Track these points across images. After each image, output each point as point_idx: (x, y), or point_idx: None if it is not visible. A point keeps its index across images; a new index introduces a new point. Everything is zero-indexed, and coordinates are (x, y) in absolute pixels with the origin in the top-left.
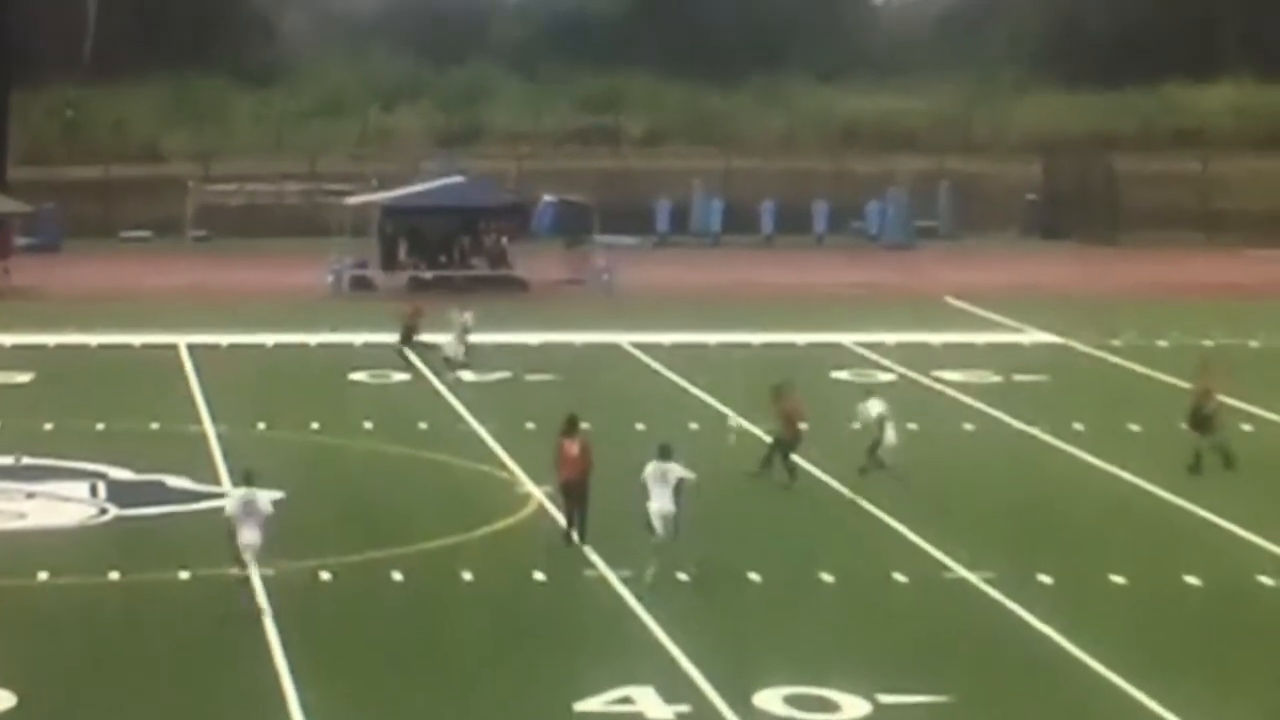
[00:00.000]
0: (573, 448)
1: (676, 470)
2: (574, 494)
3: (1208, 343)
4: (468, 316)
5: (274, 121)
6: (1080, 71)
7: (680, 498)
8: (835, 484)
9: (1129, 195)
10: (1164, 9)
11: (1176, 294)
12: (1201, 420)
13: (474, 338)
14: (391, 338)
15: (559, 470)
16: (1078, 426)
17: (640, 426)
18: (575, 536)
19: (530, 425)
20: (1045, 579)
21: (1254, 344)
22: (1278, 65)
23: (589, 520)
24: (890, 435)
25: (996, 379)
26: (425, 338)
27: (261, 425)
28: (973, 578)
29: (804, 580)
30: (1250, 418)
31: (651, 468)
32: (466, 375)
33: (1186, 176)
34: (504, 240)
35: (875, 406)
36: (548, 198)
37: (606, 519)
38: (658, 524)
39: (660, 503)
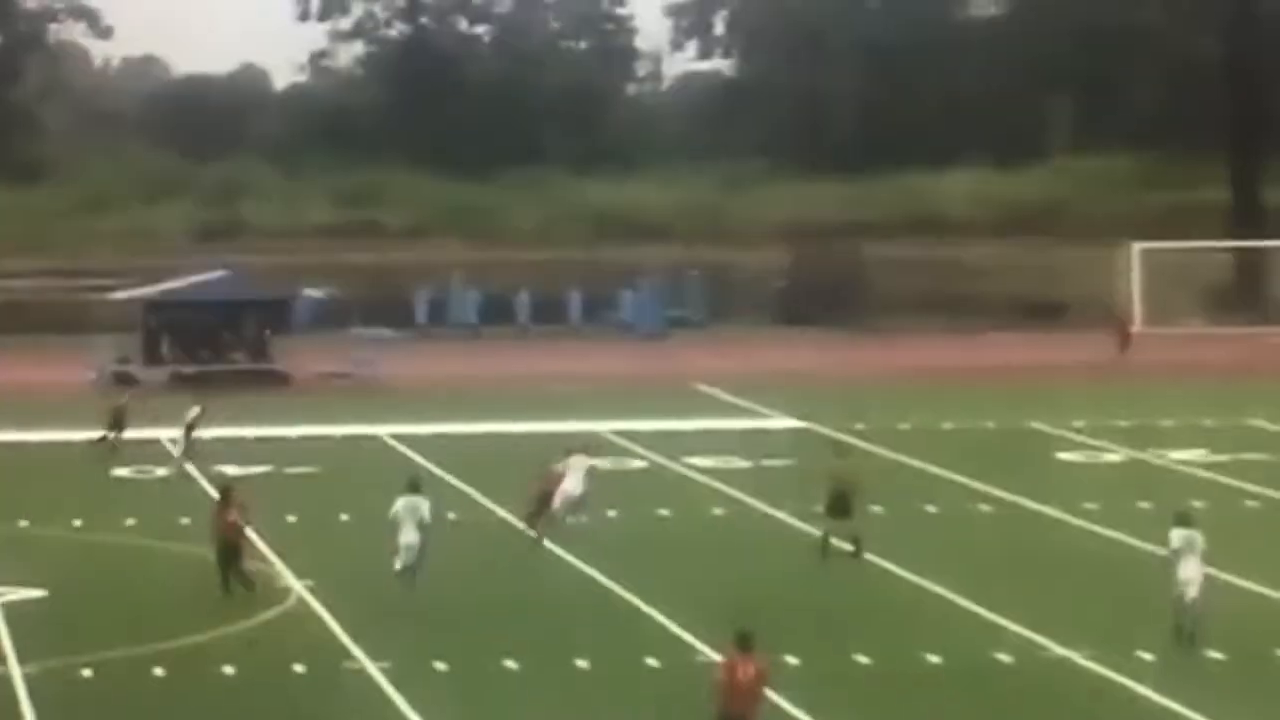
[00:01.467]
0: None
1: (424, 506)
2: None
3: (947, 425)
4: (195, 411)
5: (36, 218)
6: (826, 161)
7: (426, 534)
8: (589, 569)
9: (874, 281)
10: (905, 99)
11: (919, 377)
12: (840, 505)
13: (205, 433)
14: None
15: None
16: (820, 510)
17: None
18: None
19: (291, 518)
20: (792, 660)
21: (991, 425)
22: (1015, 153)
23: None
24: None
25: (745, 464)
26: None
27: (23, 523)
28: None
29: (559, 666)
30: (986, 498)
31: (402, 502)
32: (188, 468)
33: (929, 262)
34: (266, 334)
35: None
36: (309, 292)
37: (367, 611)
38: (404, 555)
39: (407, 536)
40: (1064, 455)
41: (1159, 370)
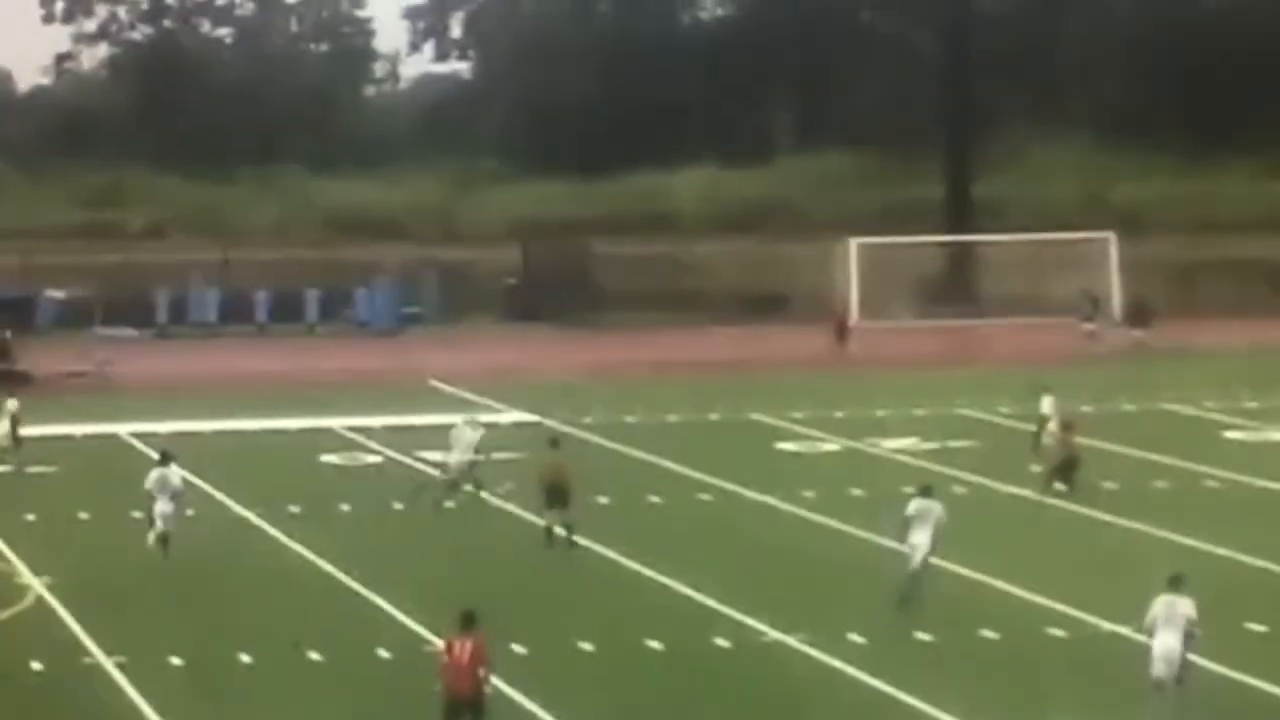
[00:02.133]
0: None
1: (175, 477)
2: None
3: (672, 418)
4: (12, 404)
5: None
6: (558, 161)
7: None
8: (322, 562)
9: (604, 278)
10: (636, 100)
11: (646, 371)
12: (555, 496)
13: None
14: None
15: None
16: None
17: (137, 514)
18: None
19: (30, 517)
20: (519, 649)
21: (714, 416)
22: (741, 152)
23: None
24: None
25: (476, 457)
26: None
27: None
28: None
29: (292, 658)
30: (708, 487)
31: (155, 474)
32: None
33: (658, 259)
34: (8, 334)
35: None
36: (50, 292)
37: (105, 607)
38: (159, 523)
39: (161, 506)
40: (783, 445)
41: (875, 362)
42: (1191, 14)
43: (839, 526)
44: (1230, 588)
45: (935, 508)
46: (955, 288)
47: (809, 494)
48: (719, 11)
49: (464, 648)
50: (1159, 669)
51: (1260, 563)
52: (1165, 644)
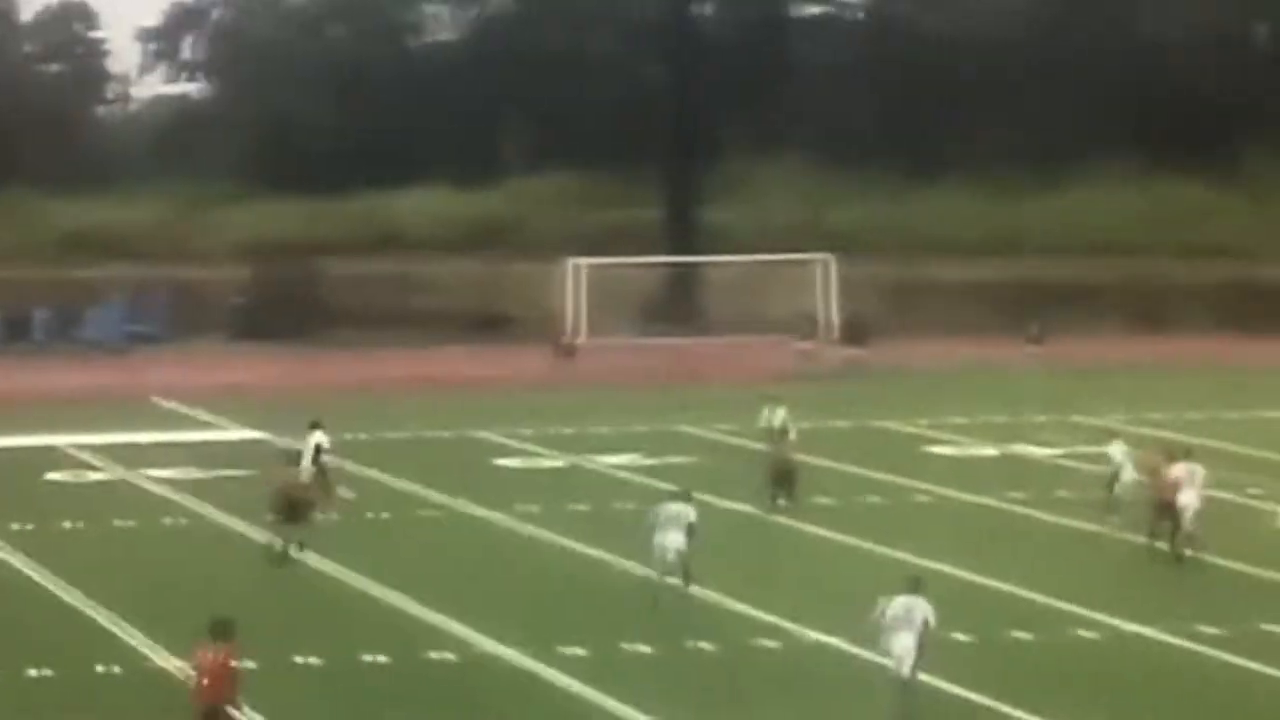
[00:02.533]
0: None
1: None
2: None
3: (396, 435)
4: None
5: None
6: (290, 182)
7: None
8: (44, 580)
9: (332, 297)
10: (366, 122)
11: (372, 389)
12: (291, 512)
13: None
14: None
15: None
16: (271, 517)
17: None
18: None
19: None
20: (248, 664)
21: (437, 433)
22: (472, 173)
23: None
24: None
25: (201, 474)
26: None
27: None
28: (172, 666)
29: (13, 675)
30: (431, 504)
31: None
32: None
33: (387, 278)
34: None
35: None
36: None
37: None
38: None
39: None
40: (505, 461)
41: (598, 380)
42: (909, 43)
43: (559, 541)
44: (938, 599)
45: (688, 512)
46: (678, 307)
47: (530, 509)
48: (450, 37)
49: (214, 657)
50: (896, 667)
51: (966, 574)
52: (902, 643)
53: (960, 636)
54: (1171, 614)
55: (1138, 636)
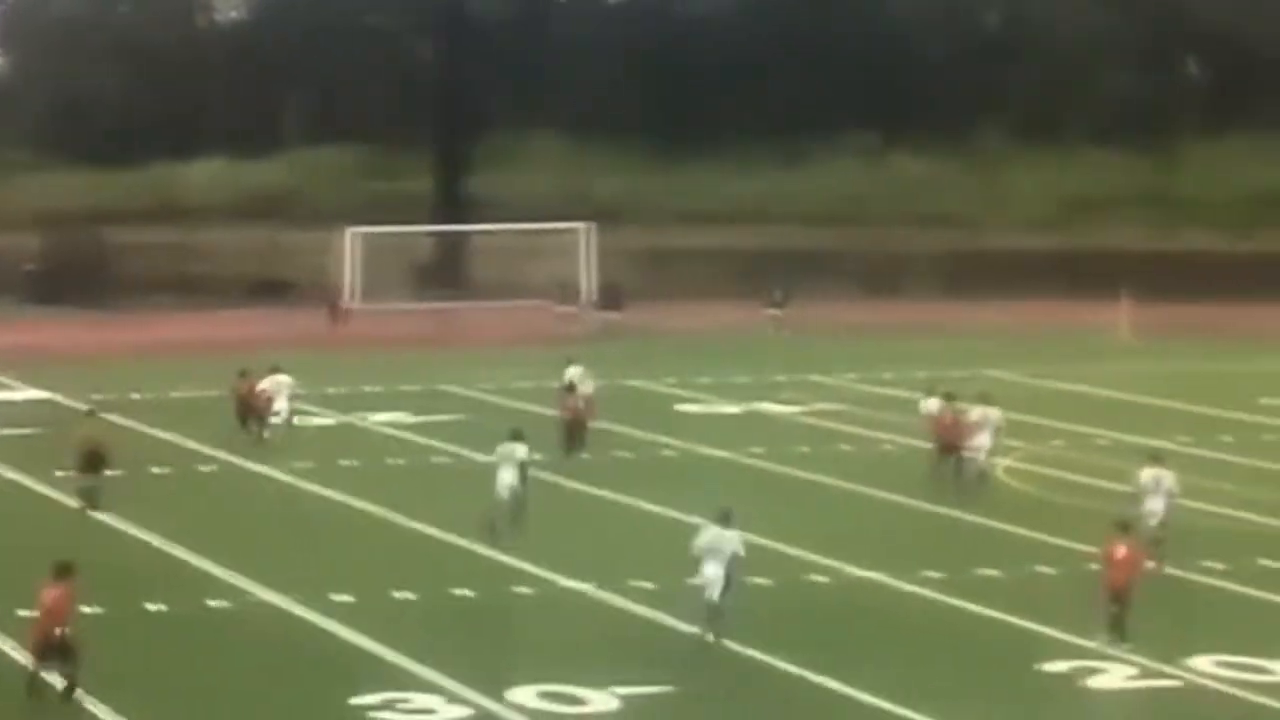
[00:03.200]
0: None
1: None
2: None
3: (176, 394)
4: None
5: None
6: (81, 152)
7: None
8: None
9: (119, 264)
10: (154, 95)
11: (155, 352)
12: (90, 463)
13: None
14: None
15: None
16: (59, 473)
17: None
18: None
19: None
20: (25, 613)
21: (215, 393)
22: (253, 145)
23: None
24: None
25: None
26: None
27: None
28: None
29: None
30: (208, 458)
31: None
32: None
33: (171, 246)
34: None
35: None
36: None
37: None
38: None
39: None
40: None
41: (369, 342)
42: (665, 25)
43: (328, 494)
44: (682, 550)
45: (519, 449)
46: (446, 274)
47: (303, 464)
48: (233, 14)
49: (52, 595)
50: (710, 593)
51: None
52: (712, 570)
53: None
54: (899, 560)
55: (864, 579)
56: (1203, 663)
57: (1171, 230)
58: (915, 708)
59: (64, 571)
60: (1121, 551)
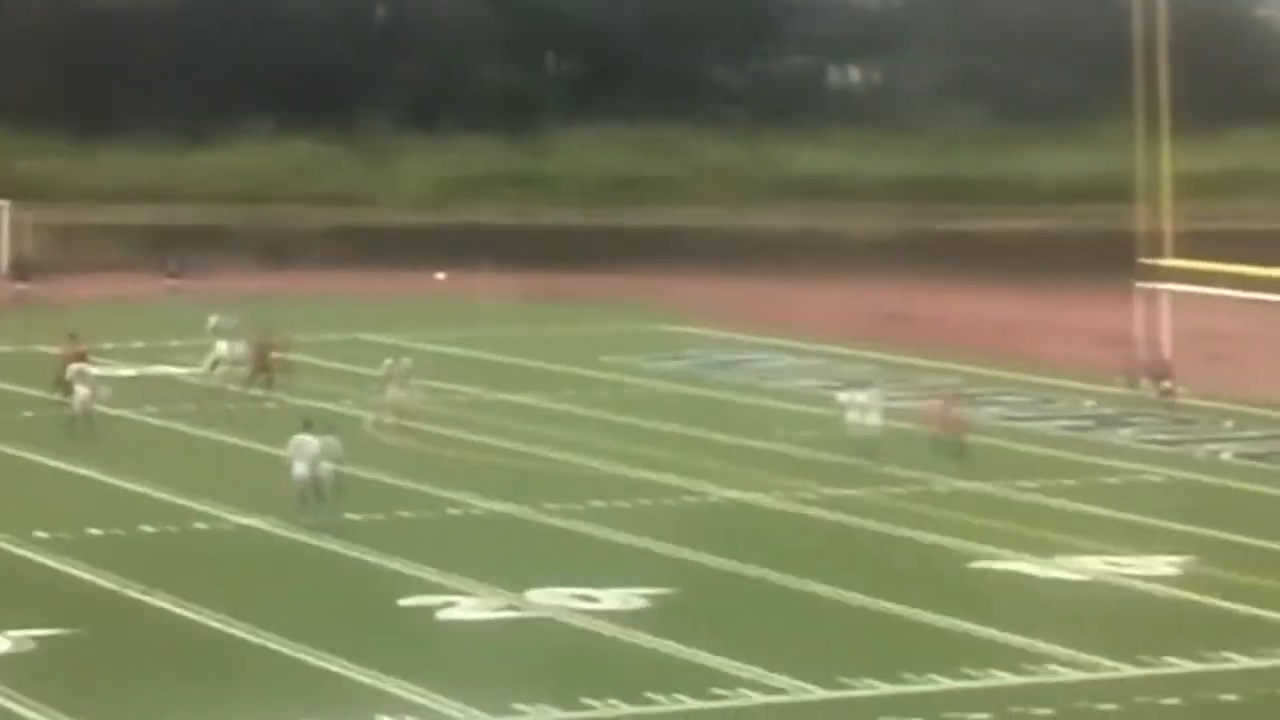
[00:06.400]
0: None
1: None
2: None
3: None
4: None
5: None
6: None
7: None
8: None
9: None
10: None
11: None
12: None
13: None
14: None
15: None
16: None
17: None
18: None
19: None
20: None
21: None
22: None
23: None
24: None
25: None
26: None
27: None
28: None
29: None
30: None
31: None
32: None
33: None
34: None
35: None
36: None
37: None
38: None
39: None
40: None
41: None
42: (87, 13)
43: None
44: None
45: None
46: None
47: None
48: None
49: None
50: (299, 487)
51: (105, 478)
52: (299, 469)
53: (95, 531)
54: (276, 506)
55: (245, 526)
56: (542, 595)
57: (535, 208)
58: (285, 641)
59: None
60: None
